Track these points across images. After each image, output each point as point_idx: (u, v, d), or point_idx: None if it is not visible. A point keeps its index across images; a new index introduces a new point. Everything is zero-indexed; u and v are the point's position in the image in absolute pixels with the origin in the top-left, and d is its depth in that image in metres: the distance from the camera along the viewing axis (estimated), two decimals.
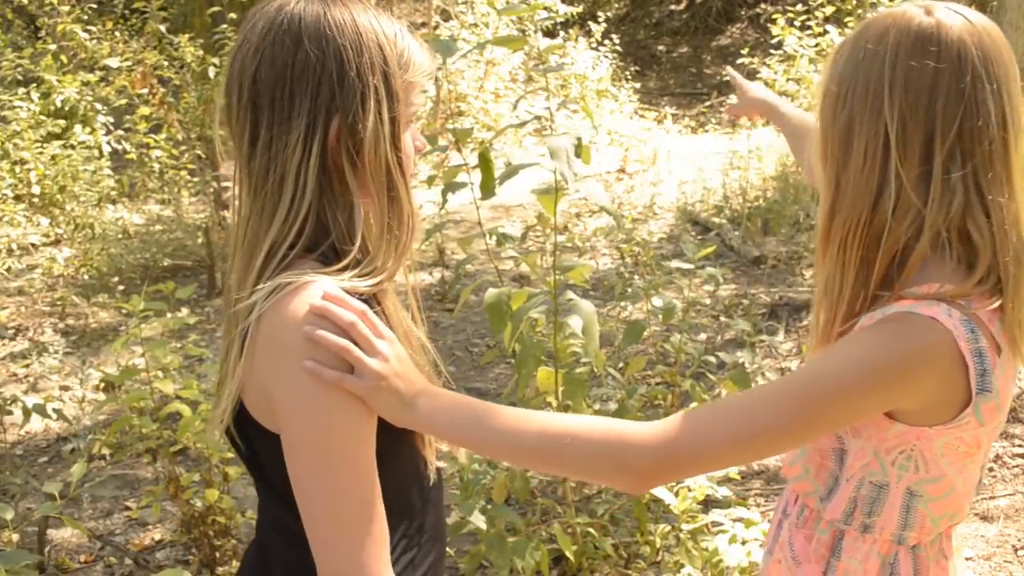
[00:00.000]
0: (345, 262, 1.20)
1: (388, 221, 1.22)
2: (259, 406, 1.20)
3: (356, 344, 1.17)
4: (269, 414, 1.19)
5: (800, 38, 8.32)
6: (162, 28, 6.45)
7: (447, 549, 3.19)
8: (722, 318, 4.89)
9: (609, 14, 12.04)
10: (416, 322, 1.34)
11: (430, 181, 5.96)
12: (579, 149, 2.29)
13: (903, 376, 1.18)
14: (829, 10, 8.40)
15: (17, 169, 6.89)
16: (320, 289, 1.16)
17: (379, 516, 1.18)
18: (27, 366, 5.06)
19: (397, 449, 1.28)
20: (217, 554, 3.16)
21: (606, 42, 10.07)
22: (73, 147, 7.14)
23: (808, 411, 1.19)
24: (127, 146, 7.00)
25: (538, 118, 2.60)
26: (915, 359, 1.18)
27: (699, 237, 6.36)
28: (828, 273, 1.29)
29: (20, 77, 7.81)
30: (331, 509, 1.14)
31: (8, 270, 6.41)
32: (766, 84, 8.68)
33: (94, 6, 7.87)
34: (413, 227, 1.25)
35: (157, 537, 3.53)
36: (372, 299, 1.23)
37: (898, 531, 1.32)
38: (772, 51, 8.73)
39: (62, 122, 7.38)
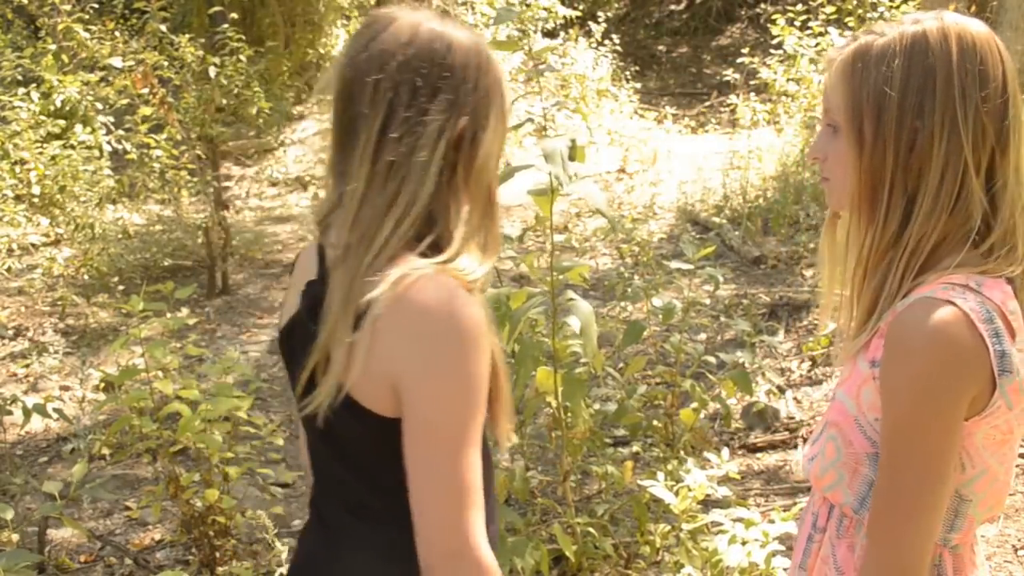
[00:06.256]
0: (446, 256, 1.26)
1: (482, 225, 1.31)
2: (371, 389, 1.23)
3: None
4: (383, 398, 1.23)
5: (800, 38, 8.32)
6: (162, 28, 6.45)
7: None
8: (722, 318, 4.89)
9: (609, 14, 12.03)
10: None
11: None
12: (573, 151, 2.28)
13: (957, 377, 1.21)
14: (830, 10, 8.40)
15: (17, 169, 6.89)
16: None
17: (482, 494, 1.25)
18: (27, 366, 5.05)
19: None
20: (217, 554, 3.16)
21: (606, 42, 10.07)
22: (73, 147, 7.14)
23: (922, 465, 1.22)
24: (127, 146, 6.99)
25: (531, 119, 2.60)
26: (954, 360, 1.20)
27: (699, 237, 6.36)
28: (888, 281, 1.30)
29: (20, 77, 7.81)
30: (451, 487, 1.21)
31: (8, 270, 6.41)
32: (766, 84, 8.69)
33: (95, 6, 7.87)
34: (499, 235, 1.34)
35: (157, 537, 3.53)
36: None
37: (944, 534, 1.31)
38: (772, 51, 8.73)
39: (62, 122, 7.37)
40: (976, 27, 1.27)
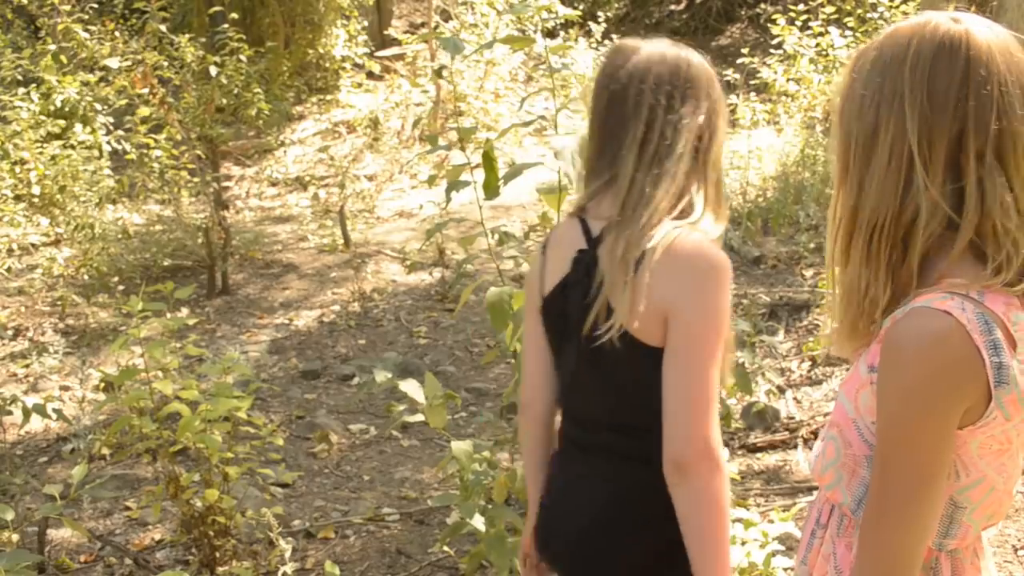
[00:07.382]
0: (694, 219, 1.62)
1: (716, 197, 1.68)
2: (647, 324, 1.56)
3: None
4: (655, 330, 1.56)
5: (800, 38, 8.32)
6: (162, 28, 6.45)
7: (447, 549, 3.19)
8: None
9: (609, 14, 12.03)
10: None
11: (431, 181, 5.96)
12: (583, 149, 2.28)
13: (949, 388, 1.21)
14: (830, 10, 8.40)
15: (17, 169, 6.89)
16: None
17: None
18: (27, 366, 5.06)
19: None
20: (217, 554, 3.16)
21: (606, 42, 10.06)
22: (73, 147, 7.14)
23: (911, 472, 1.23)
24: (127, 146, 7.00)
25: (543, 118, 2.61)
26: (946, 371, 1.20)
27: None
28: (853, 272, 1.32)
29: (20, 77, 7.81)
30: (700, 397, 1.54)
31: (8, 270, 6.41)
32: (766, 84, 8.69)
33: (95, 6, 7.88)
34: (727, 205, 1.72)
35: (157, 537, 3.53)
36: None
37: (938, 539, 1.31)
38: (772, 51, 8.73)
39: (62, 122, 7.37)
40: (954, 26, 1.25)
